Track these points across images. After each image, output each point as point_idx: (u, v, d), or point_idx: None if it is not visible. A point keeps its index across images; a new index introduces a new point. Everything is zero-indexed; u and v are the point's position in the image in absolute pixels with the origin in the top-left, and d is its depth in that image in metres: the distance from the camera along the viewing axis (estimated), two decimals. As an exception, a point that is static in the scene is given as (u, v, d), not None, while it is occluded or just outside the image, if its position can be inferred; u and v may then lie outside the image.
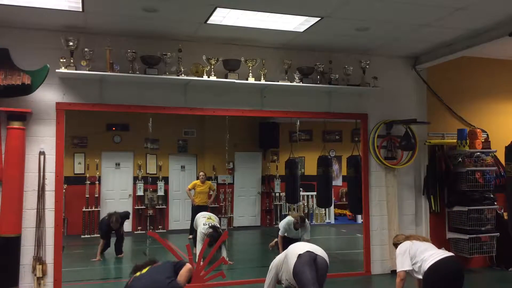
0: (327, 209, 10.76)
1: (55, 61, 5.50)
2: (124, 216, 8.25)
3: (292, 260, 4.43)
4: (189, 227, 9.15)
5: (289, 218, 7.72)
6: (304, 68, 6.45)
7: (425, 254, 4.46)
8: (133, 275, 3.93)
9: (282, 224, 7.75)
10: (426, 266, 4.35)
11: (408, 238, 4.77)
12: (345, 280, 6.63)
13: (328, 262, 4.55)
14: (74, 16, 5.33)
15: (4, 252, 5.33)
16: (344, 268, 7.29)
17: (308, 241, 7.75)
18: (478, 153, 7.02)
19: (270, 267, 4.83)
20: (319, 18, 5.43)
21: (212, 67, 6.03)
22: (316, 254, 4.46)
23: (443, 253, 4.47)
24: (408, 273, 4.58)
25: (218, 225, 7.52)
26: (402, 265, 4.52)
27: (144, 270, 3.92)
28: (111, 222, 7.79)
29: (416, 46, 6.69)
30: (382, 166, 7.00)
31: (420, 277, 4.45)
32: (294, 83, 6.37)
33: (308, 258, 4.38)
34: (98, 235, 8.20)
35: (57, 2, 4.99)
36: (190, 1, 4.93)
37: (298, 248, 4.57)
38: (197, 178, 9.54)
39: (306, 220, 7.70)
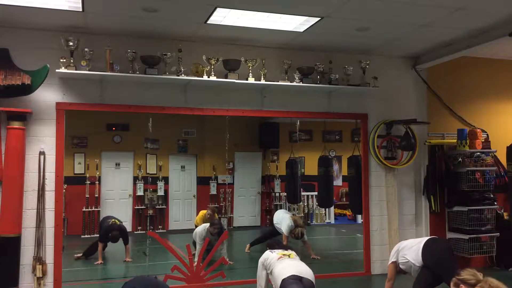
0: (327, 209, 10.75)
1: (55, 61, 5.49)
2: (123, 229, 8.05)
3: (278, 282, 4.28)
4: (188, 227, 9.14)
5: (292, 227, 7.69)
6: (304, 68, 6.45)
7: (412, 244, 4.98)
8: None
9: (286, 224, 7.74)
10: (420, 251, 4.79)
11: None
12: (345, 280, 6.63)
13: (314, 283, 4.29)
14: (74, 16, 5.33)
15: (4, 252, 5.33)
16: (344, 268, 7.30)
17: (305, 243, 7.80)
18: (478, 153, 7.02)
19: (259, 264, 4.75)
20: (319, 18, 5.43)
21: (212, 67, 6.03)
22: (301, 277, 4.23)
23: (426, 237, 5.12)
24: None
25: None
26: (390, 259, 5.10)
27: None
28: (111, 234, 7.67)
29: (416, 46, 6.69)
30: (382, 166, 7.00)
31: (419, 264, 4.81)
32: (294, 83, 6.37)
33: (293, 281, 4.18)
34: (98, 235, 8.17)
35: (57, 2, 4.99)
36: (190, 1, 4.93)
37: (284, 272, 4.30)
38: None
39: (304, 232, 7.71)
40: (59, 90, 5.78)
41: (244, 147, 10.61)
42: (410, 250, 4.90)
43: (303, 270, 4.32)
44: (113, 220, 7.81)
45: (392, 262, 5.03)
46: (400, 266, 4.99)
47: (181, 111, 6.28)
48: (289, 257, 4.54)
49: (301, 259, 4.68)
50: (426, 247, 4.81)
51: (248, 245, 8.42)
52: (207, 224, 7.47)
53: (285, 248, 4.82)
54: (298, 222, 7.65)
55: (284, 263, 4.41)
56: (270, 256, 4.60)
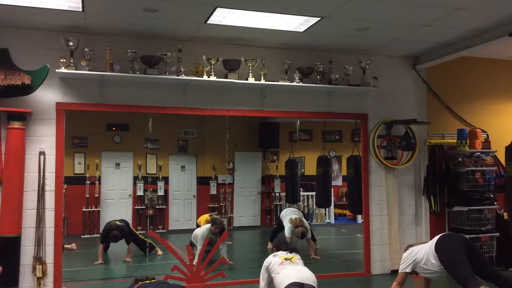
0: (327, 209, 10.75)
1: (55, 61, 5.49)
2: (122, 228, 8.06)
3: None
4: (189, 227, 9.13)
5: (292, 228, 7.73)
6: (304, 68, 6.45)
7: (425, 246, 4.87)
8: None
9: (287, 227, 7.78)
10: (433, 247, 4.68)
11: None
12: (345, 280, 6.63)
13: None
14: (74, 16, 5.33)
15: (4, 252, 5.32)
16: (344, 268, 7.31)
17: (308, 241, 7.81)
18: (478, 153, 7.02)
19: (262, 267, 4.78)
20: (319, 18, 5.44)
21: (212, 67, 6.03)
22: (303, 283, 4.22)
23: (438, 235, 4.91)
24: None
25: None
26: (404, 268, 4.88)
27: None
28: (111, 235, 7.72)
29: (416, 46, 6.69)
30: (382, 166, 7.00)
31: (436, 269, 4.66)
32: (294, 83, 6.37)
33: None
34: (98, 235, 8.18)
35: (57, 2, 5.00)
36: (190, 1, 4.93)
37: (286, 278, 4.31)
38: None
39: (305, 231, 7.73)
40: (59, 90, 5.77)
41: (244, 147, 10.60)
42: (428, 258, 4.73)
43: (305, 276, 4.30)
44: (113, 221, 7.88)
45: (406, 273, 4.86)
46: (428, 276, 4.88)
47: (181, 111, 6.28)
48: (291, 261, 4.53)
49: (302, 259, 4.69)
50: (438, 245, 4.69)
51: (269, 243, 8.50)
52: (209, 225, 7.46)
53: (290, 250, 4.79)
54: (297, 223, 7.67)
55: (286, 270, 4.40)
56: (273, 261, 4.61)
